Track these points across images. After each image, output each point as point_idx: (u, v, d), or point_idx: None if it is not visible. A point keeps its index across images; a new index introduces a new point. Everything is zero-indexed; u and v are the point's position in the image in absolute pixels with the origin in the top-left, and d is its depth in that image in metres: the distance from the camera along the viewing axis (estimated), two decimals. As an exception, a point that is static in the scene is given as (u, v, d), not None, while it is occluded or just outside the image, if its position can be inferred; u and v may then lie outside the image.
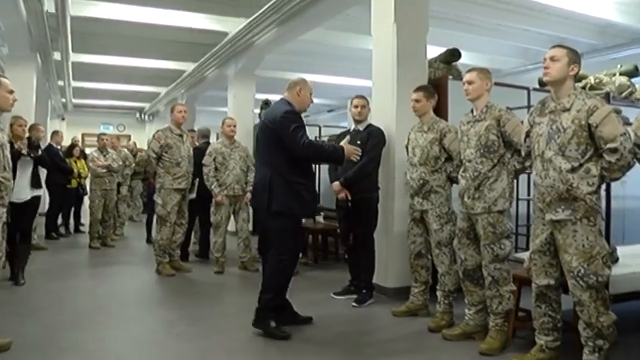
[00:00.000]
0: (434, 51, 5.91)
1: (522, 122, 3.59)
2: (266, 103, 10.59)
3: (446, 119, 4.72)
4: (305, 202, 4.12)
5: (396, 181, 4.13)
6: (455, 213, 4.28)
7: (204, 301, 5.26)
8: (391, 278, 5.24)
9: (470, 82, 3.84)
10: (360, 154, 4.29)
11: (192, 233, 7.65)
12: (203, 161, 6.59)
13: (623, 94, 6.19)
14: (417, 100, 4.45)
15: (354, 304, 4.97)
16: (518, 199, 5.12)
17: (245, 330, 4.15)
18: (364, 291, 5.03)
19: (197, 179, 7.02)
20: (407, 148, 4.56)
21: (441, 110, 4.86)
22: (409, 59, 5.32)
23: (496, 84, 4.04)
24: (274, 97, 11.57)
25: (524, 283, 3.87)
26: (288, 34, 8.61)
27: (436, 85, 4.95)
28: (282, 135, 4.02)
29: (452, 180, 4.33)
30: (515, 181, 3.89)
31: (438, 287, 4.36)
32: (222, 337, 4.11)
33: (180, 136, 6.47)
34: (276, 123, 4.06)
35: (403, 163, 4.74)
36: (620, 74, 6.51)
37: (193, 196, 7.23)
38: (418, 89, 4.55)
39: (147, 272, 6.52)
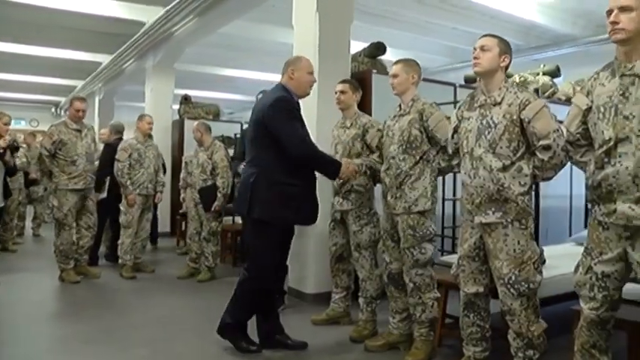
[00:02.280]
0: (359, 47, 5.68)
1: (448, 118, 3.36)
2: (185, 99, 10.16)
3: (370, 115, 4.46)
4: (299, 208, 3.47)
5: (319, 179, 3.86)
6: (377, 214, 4.02)
7: (109, 311, 4.80)
8: (310, 283, 4.96)
9: (395, 76, 3.58)
10: (360, 174, 3.85)
11: (103, 235, 7.13)
12: (117, 157, 6.15)
13: (546, 94, 6.24)
14: (342, 92, 4.15)
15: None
16: (444, 200, 4.93)
17: (150, 344, 3.79)
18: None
19: (108, 177, 6.59)
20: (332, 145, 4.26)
21: (364, 106, 4.62)
22: (332, 51, 5.05)
23: (424, 80, 3.83)
24: (194, 93, 11.28)
25: (451, 288, 3.66)
26: (209, 25, 8.26)
27: (360, 80, 4.69)
28: (272, 127, 3.37)
29: (375, 179, 4.05)
30: (439, 180, 3.68)
31: (359, 293, 4.08)
32: (124, 355, 3.70)
33: (79, 131, 5.86)
34: (265, 113, 3.39)
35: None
36: (544, 74, 6.55)
37: (104, 195, 6.78)
38: (344, 81, 4.27)
39: (50, 279, 5.95)
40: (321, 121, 4.80)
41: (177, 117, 10.18)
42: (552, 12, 8.62)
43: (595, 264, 2.54)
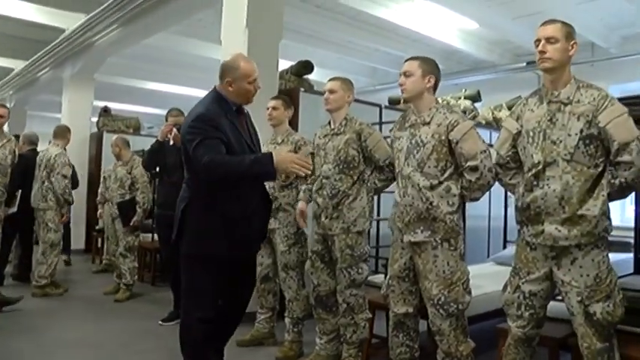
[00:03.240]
0: (286, 65, 5.67)
1: (385, 138, 3.39)
2: (105, 111, 9.81)
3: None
4: (237, 237, 2.80)
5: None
6: (305, 234, 3.97)
7: (17, 334, 4.46)
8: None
9: (332, 91, 3.54)
10: (309, 165, 2.74)
11: (12, 252, 6.70)
12: (64, 172, 5.90)
13: (468, 117, 6.42)
14: (274, 108, 4.08)
15: (160, 322, 4.61)
16: (379, 220, 4.94)
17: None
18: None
19: (20, 190, 6.18)
20: None
21: (291, 123, 4.56)
22: (260, 68, 4.86)
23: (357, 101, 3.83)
24: (114, 105, 10.91)
25: (379, 308, 3.66)
26: (133, 36, 8.03)
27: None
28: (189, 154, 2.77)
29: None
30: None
31: (285, 314, 4.00)
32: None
33: None
34: (183, 134, 2.85)
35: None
36: (465, 98, 6.75)
37: (14, 209, 6.36)
38: (276, 97, 4.22)
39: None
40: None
41: (95, 129, 9.79)
42: (472, 39, 8.94)
43: (523, 283, 2.61)
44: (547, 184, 2.48)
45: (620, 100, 2.61)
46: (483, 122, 6.62)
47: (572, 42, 2.53)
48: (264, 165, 2.69)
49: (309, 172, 2.80)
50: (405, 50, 8.96)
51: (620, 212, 8.08)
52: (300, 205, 3.61)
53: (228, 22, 5.30)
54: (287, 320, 3.98)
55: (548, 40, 2.52)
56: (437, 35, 8.43)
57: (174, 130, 4.54)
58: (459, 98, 6.72)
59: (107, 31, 8.04)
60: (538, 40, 2.56)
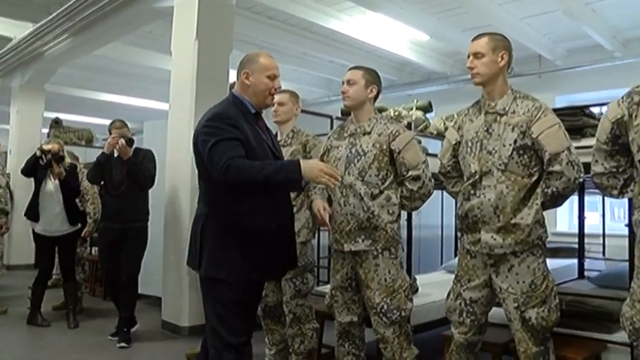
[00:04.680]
0: (234, 76, 5.65)
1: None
2: (56, 122, 9.61)
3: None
4: (261, 257, 2.49)
5: (190, 209, 3.84)
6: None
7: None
8: (186, 316, 4.80)
9: (281, 104, 3.57)
10: (338, 175, 2.53)
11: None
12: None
13: (419, 128, 6.51)
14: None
15: (122, 344, 4.51)
16: (319, 229, 4.92)
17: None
18: (125, 329, 4.60)
19: None
20: None
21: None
22: (210, 79, 5.01)
23: (302, 111, 3.85)
24: (66, 117, 10.68)
25: (327, 318, 3.68)
26: (83, 46, 7.89)
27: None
28: (203, 157, 2.48)
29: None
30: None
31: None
32: None
33: None
34: (197, 138, 2.53)
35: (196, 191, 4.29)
36: (417, 109, 6.84)
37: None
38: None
39: None
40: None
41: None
42: (423, 50, 9.07)
43: (464, 290, 2.67)
44: (483, 194, 2.55)
45: (557, 110, 2.72)
46: (434, 132, 6.72)
47: (502, 53, 2.60)
48: (291, 172, 2.39)
49: (338, 183, 2.62)
50: (359, 62, 8.92)
51: (569, 220, 8.33)
52: (318, 202, 3.07)
53: (179, 33, 5.30)
54: (237, 332, 3.96)
55: (476, 55, 2.61)
56: (389, 47, 8.53)
57: (122, 141, 4.49)
58: (411, 109, 6.78)
59: (57, 41, 7.88)
60: (468, 56, 2.64)
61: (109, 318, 5.27)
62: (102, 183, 4.83)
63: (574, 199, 4.71)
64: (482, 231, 2.54)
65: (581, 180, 2.50)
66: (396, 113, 6.50)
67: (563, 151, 2.44)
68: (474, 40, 2.65)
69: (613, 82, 6.80)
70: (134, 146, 4.66)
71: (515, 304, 2.52)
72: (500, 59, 2.59)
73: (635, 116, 2.17)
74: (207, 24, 5.08)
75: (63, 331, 5.03)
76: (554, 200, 2.54)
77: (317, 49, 8.52)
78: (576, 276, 5.22)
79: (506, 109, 2.57)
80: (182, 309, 4.83)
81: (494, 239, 2.51)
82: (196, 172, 2.65)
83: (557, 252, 6.98)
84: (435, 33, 7.79)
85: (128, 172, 4.54)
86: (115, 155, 4.60)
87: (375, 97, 3.06)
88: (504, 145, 2.52)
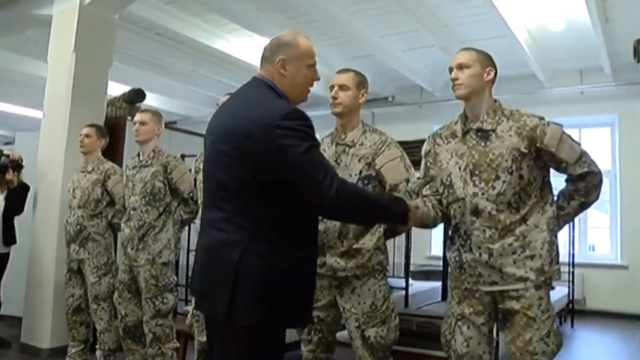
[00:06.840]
0: (121, 89, 5.59)
1: (190, 170, 3.47)
2: None
3: (121, 161, 4.41)
4: (302, 300, 1.99)
5: (59, 225, 3.72)
6: (116, 264, 3.94)
7: None
8: (46, 337, 4.58)
9: (143, 123, 3.58)
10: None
11: None
12: None
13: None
14: (87, 135, 4.02)
15: None
16: (189, 250, 4.94)
17: None
18: None
19: None
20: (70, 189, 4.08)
21: (116, 151, 4.56)
22: (87, 93, 4.91)
23: (183, 131, 3.87)
24: None
25: (190, 338, 3.69)
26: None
27: (113, 125, 4.63)
28: (281, 164, 1.83)
29: (113, 227, 3.98)
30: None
31: (97, 346, 3.92)
32: None
33: None
34: (267, 137, 1.83)
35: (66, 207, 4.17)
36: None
37: None
38: (91, 125, 4.15)
39: None
40: (68, 163, 4.55)
41: None
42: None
43: (313, 309, 2.79)
44: (329, 220, 2.70)
45: (402, 143, 2.93)
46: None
47: (363, 91, 2.77)
48: (400, 213, 2.10)
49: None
50: (244, 82, 9.15)
51: (443, 244, 8.77)
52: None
53: (56, 44, 5.17)
54: (98, 353, 3.91)
55: (341, 87, 2.76)
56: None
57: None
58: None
59: None
60: (332, 87, 2.79)
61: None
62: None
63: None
64: (328, 255, 2.68)
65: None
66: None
67: (401, 182, 2.65)
68: (338, 73, 2.79)
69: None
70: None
71: (357, 324, 2.67)
72: (361, 96, 2.75)
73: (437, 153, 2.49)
74: (86, 36, 4.98)
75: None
76: (396, 228, 2.71)
77: (205, 67, 8.51)
78: (439, 298, 5.54)
79: (355, 141, 2.74)
80: (42, 330, 4.61)
81: (338, 263, 2.66)
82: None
83: (430, 275, 7.38)
84: (319, 60, 8.01)
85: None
86: None
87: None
88: (350, 175, 2.68)
